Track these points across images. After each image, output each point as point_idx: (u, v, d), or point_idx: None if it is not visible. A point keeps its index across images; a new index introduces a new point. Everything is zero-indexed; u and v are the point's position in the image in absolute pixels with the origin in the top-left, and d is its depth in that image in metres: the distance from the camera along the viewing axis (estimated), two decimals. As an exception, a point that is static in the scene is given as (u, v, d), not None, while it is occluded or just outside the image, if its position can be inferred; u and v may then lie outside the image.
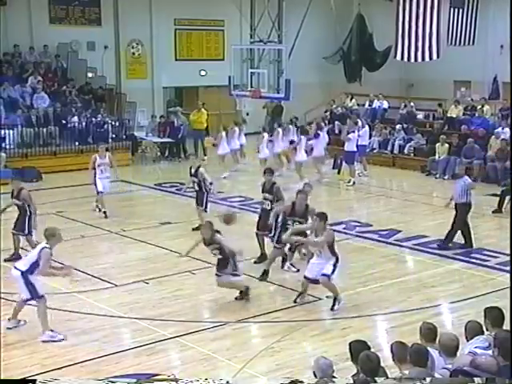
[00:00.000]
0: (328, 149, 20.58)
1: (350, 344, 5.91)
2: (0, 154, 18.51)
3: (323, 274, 9.44)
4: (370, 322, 9.39)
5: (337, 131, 22.67)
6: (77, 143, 20.47)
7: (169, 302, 9.88)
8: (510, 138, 18.93)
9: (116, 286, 10.53)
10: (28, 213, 11.55)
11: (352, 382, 5.40)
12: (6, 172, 18.31)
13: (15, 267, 8.83)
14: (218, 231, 9.74)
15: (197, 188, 13.37)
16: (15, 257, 11.11)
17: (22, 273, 8.64)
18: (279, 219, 10.92)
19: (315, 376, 5.72)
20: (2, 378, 7.25)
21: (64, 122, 20.69)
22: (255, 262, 11.45)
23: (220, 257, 9.71)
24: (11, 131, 19.55)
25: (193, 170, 13.42)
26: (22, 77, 21.39)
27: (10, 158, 18.82)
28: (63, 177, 18.53)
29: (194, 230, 13.18)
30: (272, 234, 11.04)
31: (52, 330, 8.58)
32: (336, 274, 9.55)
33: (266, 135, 19.75)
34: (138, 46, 24.99)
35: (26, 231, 11.54)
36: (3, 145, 19.16)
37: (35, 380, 6.56)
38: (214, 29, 26.41)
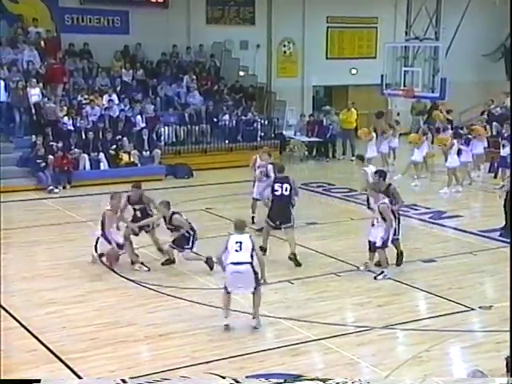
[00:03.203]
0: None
1: (507, 358, 5.66)
2: (155, 150, 19.46)
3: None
4: (527, 338, 8.93)
5: (494, 133, 21.73)
6: (227, 141, 21.05)
7: (313, 304, 9.91)
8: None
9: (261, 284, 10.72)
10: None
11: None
12: (160, 168, 19.26)
13: (241, 262, 8.73)
14: (176, 212, 11.21)
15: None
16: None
17: (251, 264, 8.79)
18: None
19: None
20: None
21: (215, 120, 21.39)
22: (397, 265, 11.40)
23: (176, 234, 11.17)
24: (166, 129, 20.50)
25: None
26: (179, 76, 22.34)
27: (164, 154, 19.69)
28: (213, 174, 19.13)
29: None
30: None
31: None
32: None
33: (424, 138, 19.02)
34: (289, 44, 25.33)
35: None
36: (158, 142, 20.12)
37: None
38: (367, 26, 26.21)
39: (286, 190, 11.55)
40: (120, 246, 11.28)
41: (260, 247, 11.25)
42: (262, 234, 12.04)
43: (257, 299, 9.00)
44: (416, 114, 25.02)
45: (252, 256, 8.81)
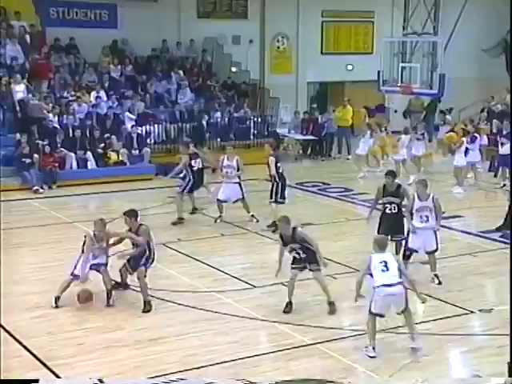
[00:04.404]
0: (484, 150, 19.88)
1: (509, 364, 5.65)
2: (145, 149, 19.41)
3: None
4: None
5: (495, 130, 21.78)
6: (219, 139, 21.02)
7: (308, 307, 9.90)
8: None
9: (255, 287, 10.71)
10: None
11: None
12: (150, 168, 19.20)
13: (393, 284, 8.26)
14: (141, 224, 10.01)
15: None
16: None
17: (403, 284, 8.41)
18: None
19: None
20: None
21: (207, 117, 21.33)
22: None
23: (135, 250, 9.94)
24: (156, 127, 20.43)
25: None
26: (169, 72, 22.26)
27: (154, 153, 19.63)
28: (205, 173, 19.04)
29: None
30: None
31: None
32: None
33: (403, 136, 19.03)
34: (283, 39, 25.32)
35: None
36: (148, 140, 20.05)
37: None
38: (363, 20, 26.25)
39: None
40: (76, 276, 9.87)
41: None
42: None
43: (409, 318, 8.52)
44: (405, 112, 25.01)
45: (400, 275, 8.41)
